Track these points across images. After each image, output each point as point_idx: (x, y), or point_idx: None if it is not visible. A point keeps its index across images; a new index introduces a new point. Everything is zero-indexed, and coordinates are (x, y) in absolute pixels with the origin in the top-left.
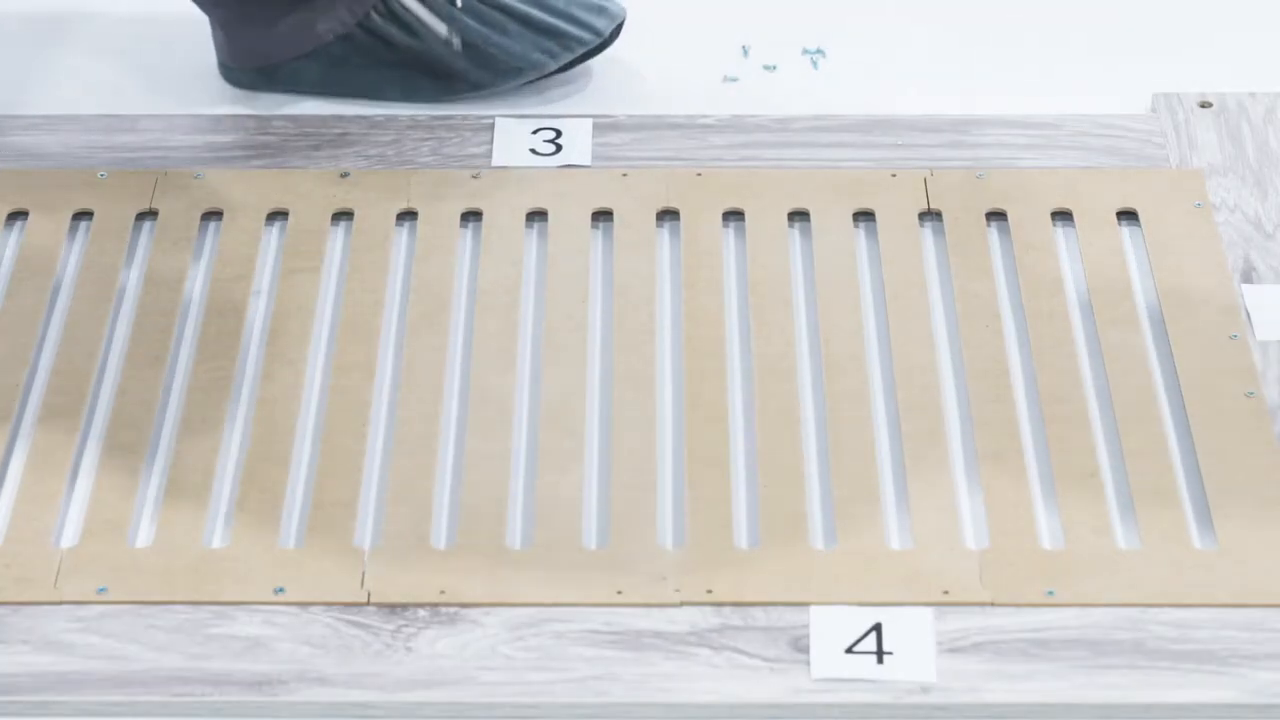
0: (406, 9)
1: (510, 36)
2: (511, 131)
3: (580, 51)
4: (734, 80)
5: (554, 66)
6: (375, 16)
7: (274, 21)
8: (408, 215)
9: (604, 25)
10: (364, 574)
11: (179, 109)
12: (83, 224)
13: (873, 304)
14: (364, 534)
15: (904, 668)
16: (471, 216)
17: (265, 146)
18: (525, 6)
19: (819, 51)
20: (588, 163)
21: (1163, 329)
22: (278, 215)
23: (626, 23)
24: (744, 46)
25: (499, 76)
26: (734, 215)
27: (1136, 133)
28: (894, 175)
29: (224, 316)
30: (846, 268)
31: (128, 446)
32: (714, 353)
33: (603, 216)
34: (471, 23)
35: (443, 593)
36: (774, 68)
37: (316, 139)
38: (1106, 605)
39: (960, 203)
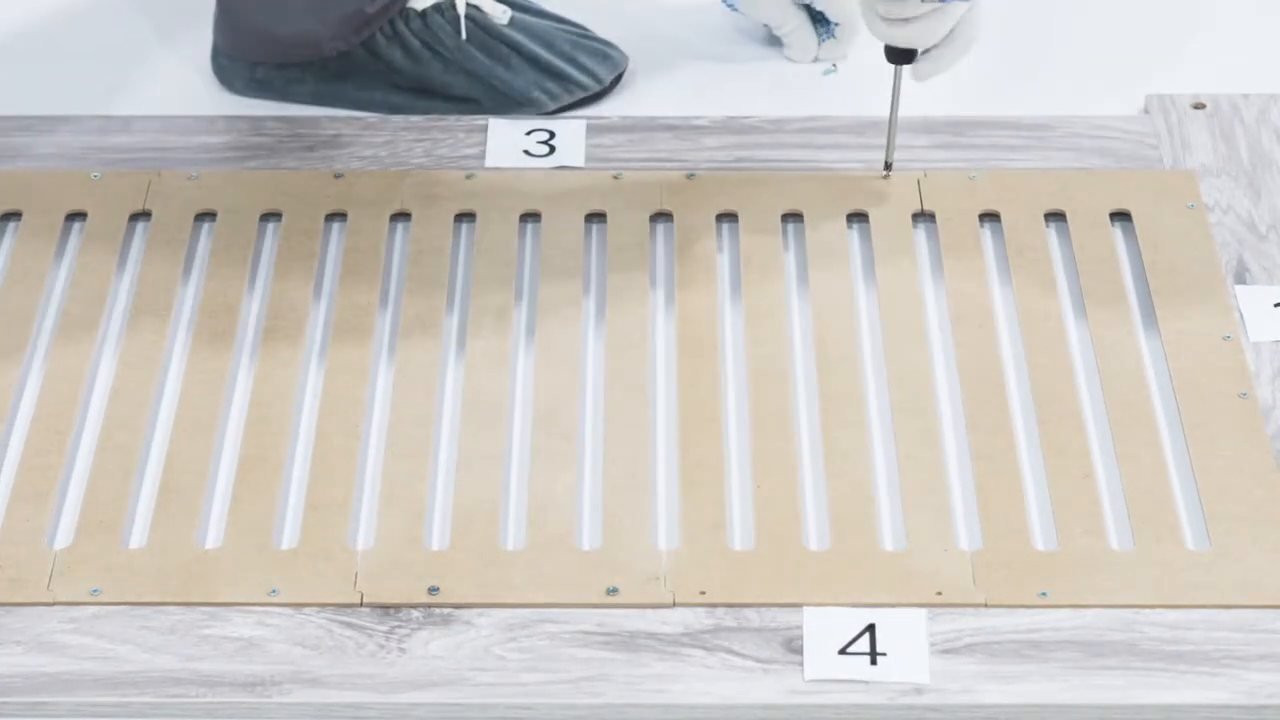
0: (412, 32)
1: (513, 71)
2: (505, 133)
3: (579, 96)
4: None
5: (551, 107)
6: (380, 38)
7: (281, 25)
8: (401, 216)
9: (605, 74)
10: (357, 575)
11: (173, 110)
12: (76, 225)
13: (866, 305)
14: (357, 535)
15: (897, 669)
16: (465, 218)
17: (259, 148)
18: (531, 44)
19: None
20: (581, 164)
21: (1156, 330)
22: (271, 216)
23: (622, 23)
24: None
25: (496, 108)
26: (727, 217)
27: (1130, 134)
28: (887, 177)
29: (217, 318)
30: (840, 269)
31: (121, 447)
32: (708, 354)
33: (596, 218)
34: (476, 53)
35: (436, 594)
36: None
37: (310, 140)
38: (1099, 606)
39: (953, 204)
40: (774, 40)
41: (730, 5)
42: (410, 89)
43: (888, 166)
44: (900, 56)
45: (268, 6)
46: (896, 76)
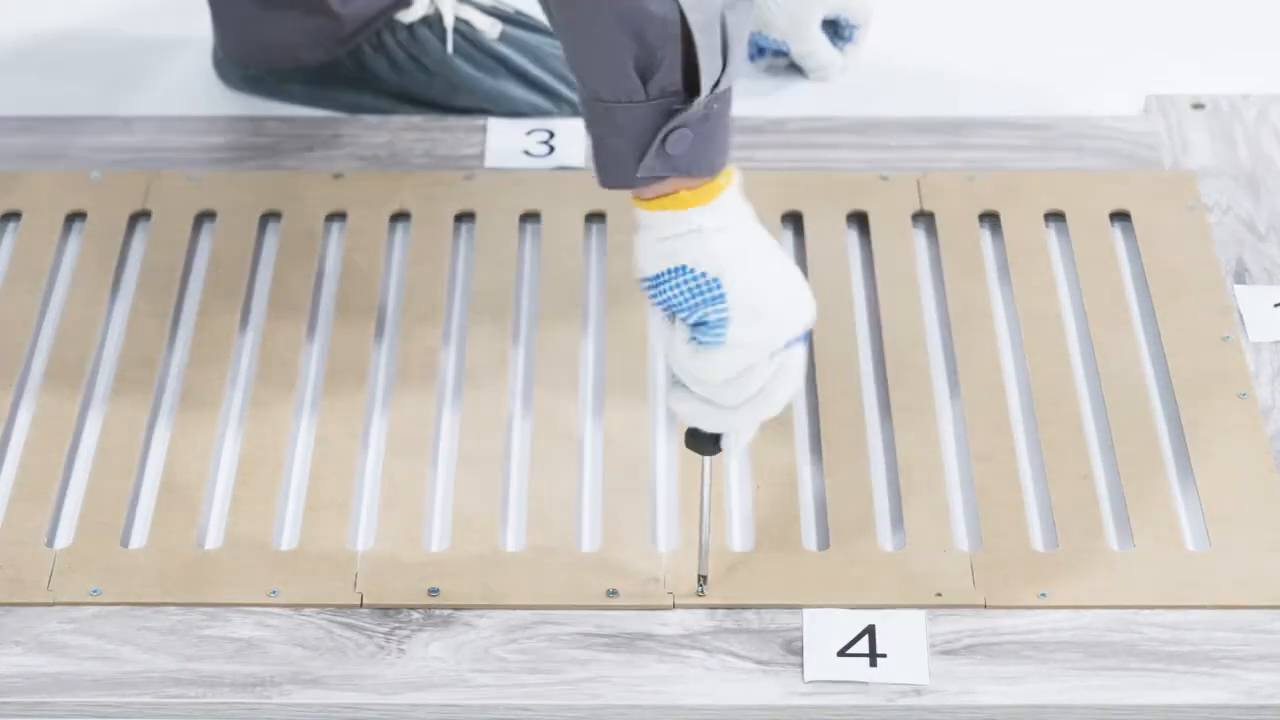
0: (399, 44)
1: (500, 86)
2: (505, 133)
3: (569, 114)
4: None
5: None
6: (366, 49)
7: (265, 30)
8: (401, 217)
9: None
10: (357, 576)
11: (173, 110)
12: (76, 225)
13: (865, 305)
14: (357, 536)
15: (897, 670)
16: (465, 218)
17: (259, 148)
18: (520, 59)
19: None
20: (581, 164)
21: (1155, 330)
22: (271, 216)
23: None
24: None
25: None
26: None
27: (1129, 134)
28: (886, 177)
29: (217, 318)
30: (839, 269)
31: (121, 447)
32: None
33: (596, 218)
34: (462, 66)
35: (436, 595)
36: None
37: (310, 140)
38: (1099, 607)
39: (953, 204)
40: (774, 40)
41: (761, 47)
42: (398, 98)
43: (702, 580)
44: (703, 444)
45: (247, 10)
46: (705, 473)
